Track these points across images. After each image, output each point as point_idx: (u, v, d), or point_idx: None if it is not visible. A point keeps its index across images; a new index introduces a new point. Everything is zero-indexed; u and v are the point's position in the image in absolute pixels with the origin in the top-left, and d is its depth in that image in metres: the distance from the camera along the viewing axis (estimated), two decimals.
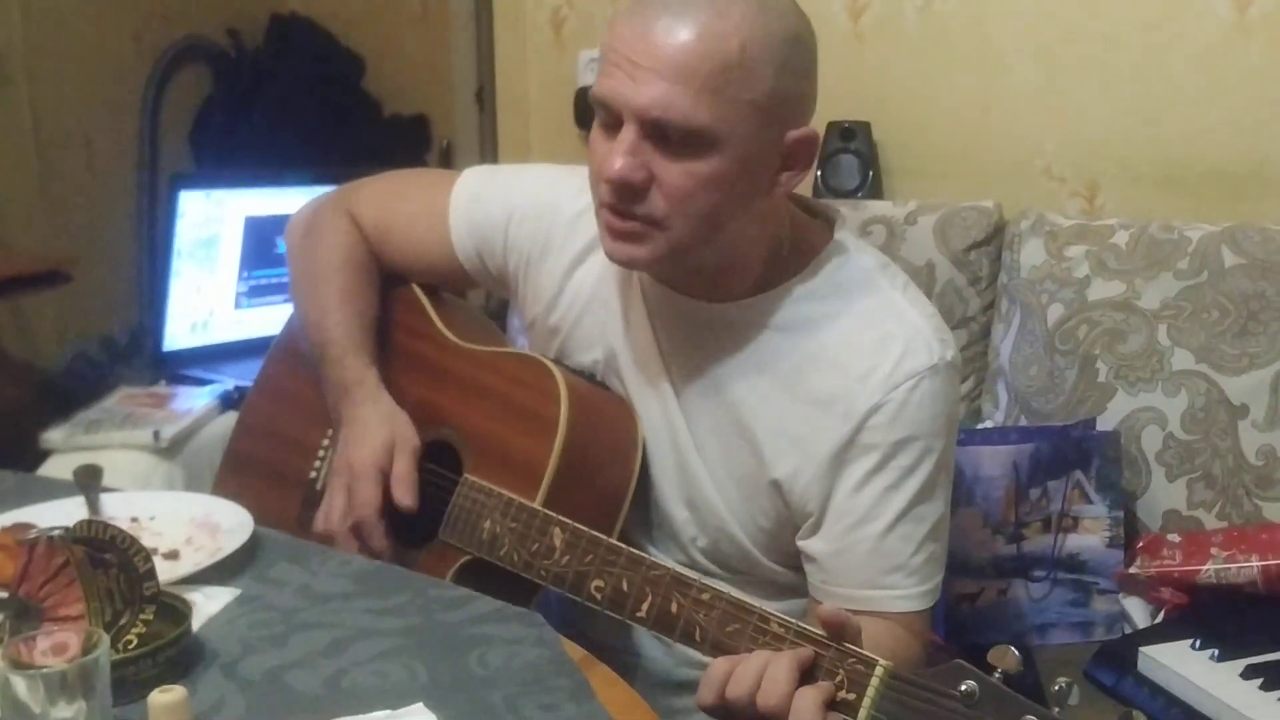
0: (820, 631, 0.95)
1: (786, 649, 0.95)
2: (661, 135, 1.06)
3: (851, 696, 0.92)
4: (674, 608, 1.03)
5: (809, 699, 0.92)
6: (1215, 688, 1.36)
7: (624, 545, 1.11)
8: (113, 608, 0.87)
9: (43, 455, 2.35)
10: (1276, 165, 1.94)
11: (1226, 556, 1.57)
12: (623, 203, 1.09)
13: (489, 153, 3.33)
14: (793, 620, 0.98)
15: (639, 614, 1.06)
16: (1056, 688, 0.89)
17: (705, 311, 1.21)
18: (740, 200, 1.11)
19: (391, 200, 1.43)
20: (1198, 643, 1.44)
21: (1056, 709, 0.87)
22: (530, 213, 1.32)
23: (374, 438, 1.24)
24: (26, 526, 1.02)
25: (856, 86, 2.19)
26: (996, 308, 1.91)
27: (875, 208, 1.98)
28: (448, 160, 3.47)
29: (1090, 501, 1.66)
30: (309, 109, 3.40)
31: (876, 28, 2.18)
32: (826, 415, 1.16)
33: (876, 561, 1.15)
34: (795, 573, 1.24)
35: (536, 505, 1.16)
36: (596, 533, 1.12)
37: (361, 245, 1.41)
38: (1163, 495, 1.70)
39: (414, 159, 3.49)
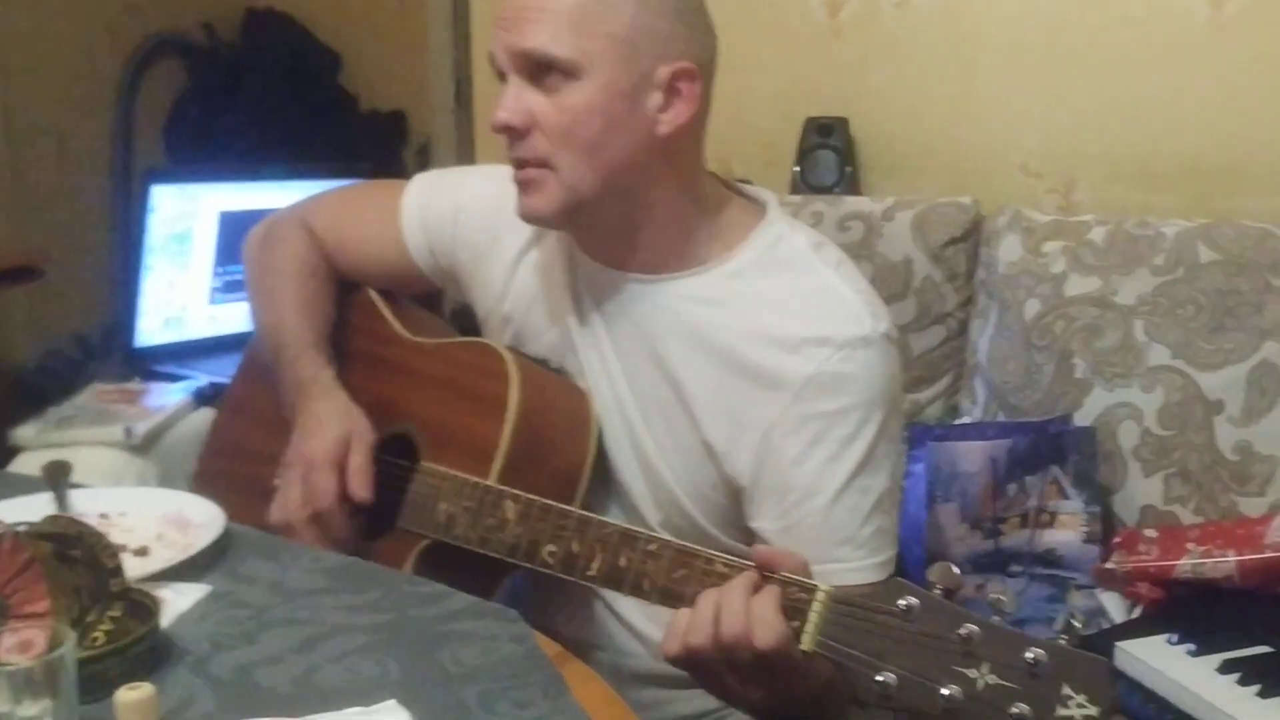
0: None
1: None
2: (535, 74, 1.14)
3: (796, 624, 0.97)
4: (622, 561, 1.08)
5: (762, 603, 0.97)
6: (1193, 682, 1.36)
7: (574, 510, 1.14)
8: (79, 604, 0.85)
9: (13, 452, 2.33)
10: (1252, 161, 1.95)
11: (1203, 551, 1.57)
12: (514, 150, 1.16)
13: (466, 151, 3.31)
14: (737, 559, 1.03)
15: (590, 573, 1.10)
16: (993, 598, 0.92)
17: (638, 288, 1.24)
18: (620, 133, 1.15)
19: (345, 208, 1.48)
20: (1175, 638, 1.44)
21: (996, 617, 0.90)
22: (477, 208, 1.36)
23: (328, 431, 1.25)
24: None
25: (834, 82, 2.20)
26: (974, 303, 1.91)
27: (853, 203, 1.98)
28: (425, 157, 3.44)
29: (1067, 497, 1.66)
30: (285, 104, 3.36)
31: (854, 24, 2.18)
32: (760, 388, 1.17)
33: (824, 535, 1.16)
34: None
35: (490, 482, 1.17)
36: (548, 501, 1.14)
37: (317, 253, 1.44)
38: (1139, 490, 1.71)
39: (391, 155, 3.46)
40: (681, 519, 1.25)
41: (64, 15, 3.04)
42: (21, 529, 0.84)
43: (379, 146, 3.45)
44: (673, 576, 1.05)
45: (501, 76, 1.16)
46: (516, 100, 1.14)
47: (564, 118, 1.13)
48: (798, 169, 2.15)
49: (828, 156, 2.15)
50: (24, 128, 2.97)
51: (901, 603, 0.92)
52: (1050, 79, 2.06)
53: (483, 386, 1.24)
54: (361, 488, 1.22)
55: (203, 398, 1.80)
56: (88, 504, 1.10)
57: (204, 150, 3.25)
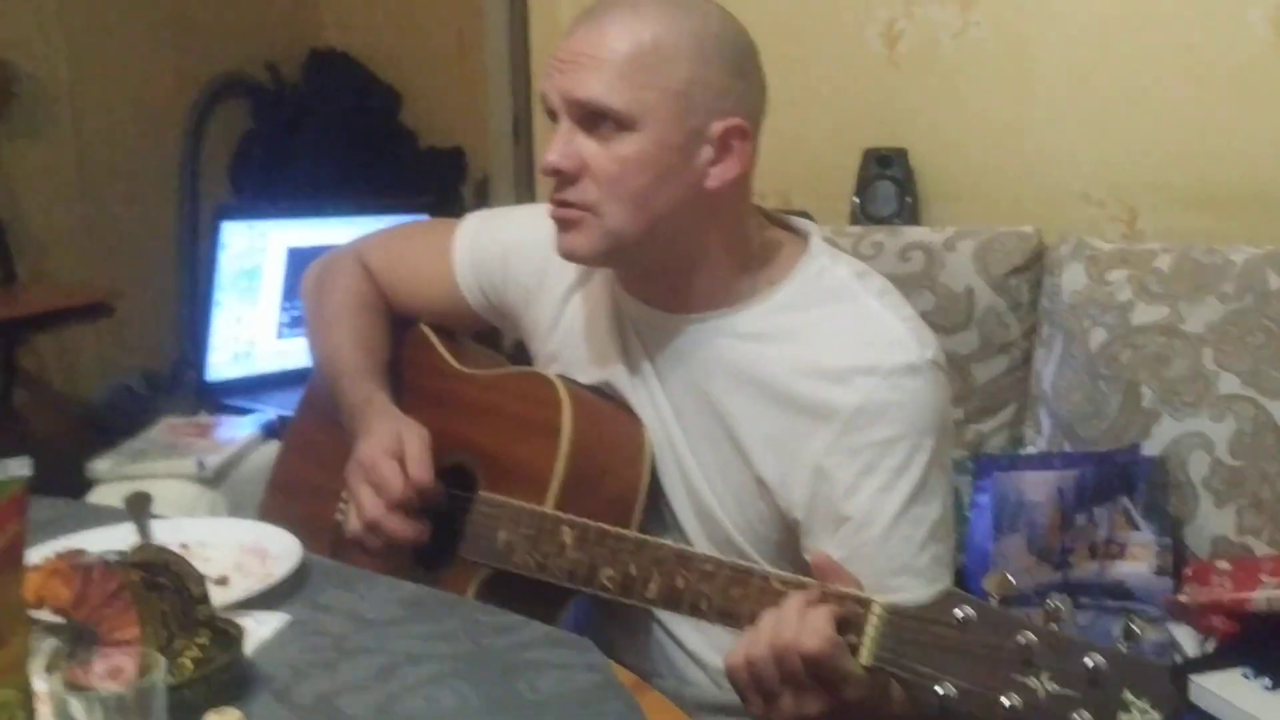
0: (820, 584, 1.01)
1: None
2: (588, 122, 1.15)
3: (854, 638, 0.97)
4: (679, 582, 1.09)
5: (815, 612, 0.98)
6: (1270, 717, 1.34)
7: (630, 533, 1.15)
8: (167, 631, 0.87)
9: (88, 484, 2.38)
10: None
11: (1278, 584, 1.54)
12: (560, 191, 1.17)
13: (524, 186, 3.36)
14: (792, 575, 1.04)
15: (648, 595, 1.11)
16: (1050, 605, 0.92)
17: (683, 326, 1.25)
18: (669, 186, 1.15)
19: (400, 246, 1.51)
20: (1250, 672, 1.42)
21: (1052, 625, 0.90)
22: (526, 248, 1.37)
23: (381, 433, 1.27)
24: (79, 553, 1.03)
25: (892, 113, 2.20)
26: (1038, 333, 1.90)
27: (913, 234, 1.97)
28: (484, 193, 3.49)
29: (1137, 528, 1.64)
30: (347, 142, 3.43)
31: (911, 55, 2.18)
32: (809, 421, 1.17)
33: (881, 565, 1.15)
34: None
35: (546, 509, 1.19)
36: (604, 525, 1.15)
37: (372, 289, 1.48)
38: (1211, 522, 1.68)
39: (450, 191, 3.52)
40: (733, 552, 1.24)
41: (134, 58, 3.13)
42: (112, 558, 0.87)
43: (438, 182, 3.51)
44: (729, 595, 1.06)
45: (553, 116, 1.17)
46: (567, 144, 1.15)
47: (614, 167, 1.14)
48: (857, 200, 2.16)
49: (887, 187, 2.15)
50: (96, 168, 3.06)
51: (958, 613, 0.92)
52: (1109, 106, 2.05)
53: (536, 414, 1.25)
54: (422, 471, 1.22)
55: (271, 431, 1.84)
56: (169, 534, 1.12)
57: (269, 187, 3.33)
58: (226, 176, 3.40)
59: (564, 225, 1.19)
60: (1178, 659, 1.60)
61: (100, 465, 1.72)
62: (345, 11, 3.59)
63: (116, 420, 2.98)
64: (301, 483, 1.51)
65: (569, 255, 1.21)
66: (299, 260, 2.14)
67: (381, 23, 3.55)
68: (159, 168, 3.24)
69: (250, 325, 2.10)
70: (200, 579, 0.89)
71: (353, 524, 1.24)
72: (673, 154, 1.15)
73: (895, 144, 2.17)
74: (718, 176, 1.17)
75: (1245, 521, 1.66)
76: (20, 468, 0.79)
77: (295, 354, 2.16)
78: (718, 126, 1.15)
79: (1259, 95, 1.94)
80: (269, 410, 1.93)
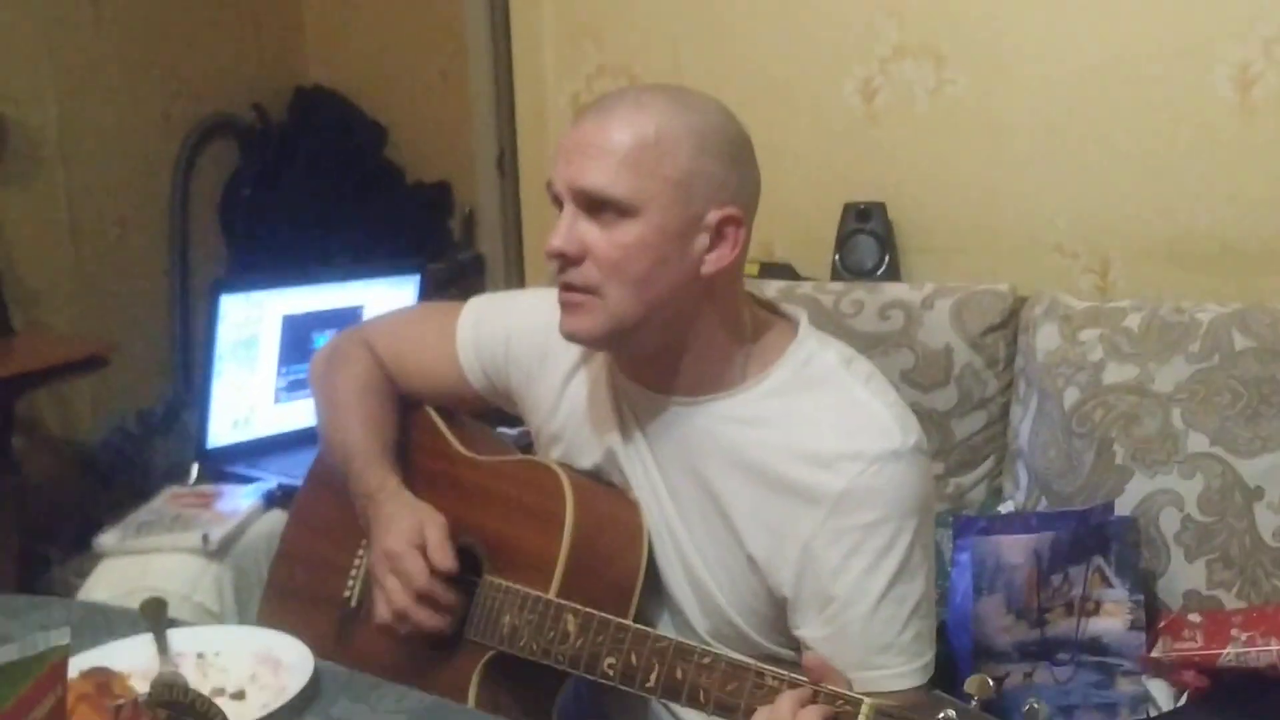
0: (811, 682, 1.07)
1: None
2: (591, 208, 1.20)
3: None
4: (679, 674, 1.15)
5: (809, 715, 1.04)
6: None
7: (631, 623, 1.21)
8: None
9: (88, 529, 2.42)
10: None
11: (1247, 639, 1.61)
12: (564, 274, 1.23)
13: (511, 219, 3.41)
14: (785, 672, 1.10)
15: (648, 684, 1.17)
16: (1027, 707, 0.98)
17: (679, 410, 1.30)
18: (667, 272, 1.21)
19: (405, 331, 1.56)
20: None
21: None
22: (527, 331, 1.43)
23: (402, 522, 1.33)
24: (105, 671, 1.08)
25: (871, 168, 2.26)
26: (1014, 389, 1.96)
27: (892, 291, 2.03)
28: (470, 226, 3.54)
29: (1111, 585, 1.70)
30: (334, 178, 3.47)
31: (888, 110, 2.24)
32: (797, 504, 1.23)
33: (866, 642, 1.22)
34: (798, 652, 1.29)
35: (550, 596, 1.24)
36: (606, 615, 1.21)
37: (379, 372, 1.53)
38: (1182, 576, 1.74)
39: (437, 225, 3.56)
40: (728, 628, 1.31)
41: (122, 104, 3.16)
42: (141, 698, 0.92)
43: (425, 217, 3.55)
44: (726, 689, 1.12)
45: (558, 203, 1.23)
46: (571, 230, 1.21)
47: (616, 252, 1.20)
48: (838, 256, 2.21)
49: (867, 241, 2.21)
50: (86, 213, 3.09)
51: (941, 716, 0.97)
52: (1082, 161, 2.11)
53: (540, 503, 1.31)
54: (444, 559, 1.29)
55: (272, 500, 1.89)
56: (185, 644, 1.18)
57: (256, 224, 3.37)
58: (215, 216, 3.44)
59: (568, 308, 1.24)
60: (1151, 712, 1.67)
61: (107, 540, 1.77)
62: (330, 49, 3.62)
63: (112, 462, 3.04)
64: (309, 555, 1.56)
65: (572, 337, 1.27)
66: (294, 327, 2.20)
67: (366, 59, 3.58)
68: (149, 211, 3.27)
69: (249, 392, 2.15)
70: (224, 717, 0.94)
71: (381, 613, 1.30)
72: (671, 240, 1.20)
73: (874, 198, 2.23)
74: (713, 263, 1.22)
75: (1215, 575, 1.73)
76: (60, 637, 0.84)
77: (292, 418, 2.22)
78: (714, 215, 1.21)
79: (1223, 153, 2.01)
80: (269, 478, 1.98)
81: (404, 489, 1.40)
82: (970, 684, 1.00)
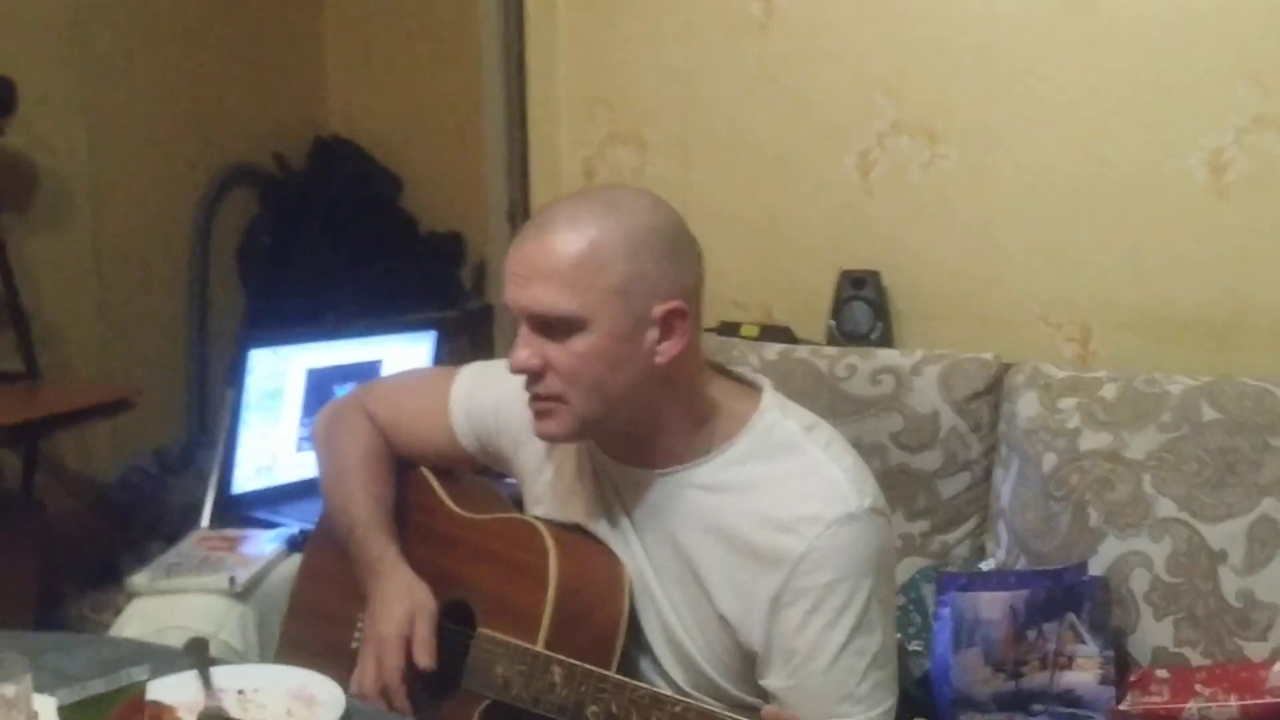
0: None
1: None
2: (545, 325, 1.30)
3: None
4: None
5: None
6: None
7: (611, 674, 1.31)
8: None
9: (113, 569, 2.51)
10: (1253, 316, 2.12)
11: (1209, 695, 1.71)
12: (531, 386, 1.33)
13: None
14: None
15: None
16: None
17: (651, 480, 1.41)
18: (623, 370, 1.31)
19: (400, 398, 1.68)
20: None
21: None
22: (514, 400, 1.50)
23: (395, 610, 1.44)
24: (158, 705, 1.18)
25: (866, 237, 2.38)
26: (997, 452, 2.07)
27: (884, 357, 2.14)
28: (481, 275, 3.65)
29: (1083, 641, 1.81)
30: (349, 227, 3.58)
31: (884, 183, 2.37)
32: (762, 565, 1.33)
33: (827, 693, 1.32)
34: (768, 701, 1.39)
35: (538, 648, 1.35)
36: (588, 665, 1.31)
37: (377, 439, 1.64)
38: (1151, 633, 1.85)
39: (449, 274, 3.67)
40: (703, 680, 1.42)
41: (149, 150, 3.28)
42: None
43: (437, 266, 3.67)
44: None
45: (516, 321, 1.33)
46: (528, 347, 1.31)
47: (573, 362, 1.30)
48: (833, 321, 2.33)
49: (861, 307, 2.32)
50: (112, 256, 3.20)
51: None
52: (1066, 237, 2.23)
53: (526, 560, 1.42)
54: (425, 657, 1.41)
55: (294, 545, 1.99)
56: (227, 680, 1.28)
57: (275, 271, 3.48)
58: (235, 263, 3.55)
59: (539, 414, 1.35)
60: None
61: (138, 580, 1.86)
62: (350, 102, 3.75)
63: (129, 500, 3.13)
64: (319, 608, 1.67)
65: (546, 438, 1.40)
66: (317, 379, 2.32)
67: (385, 112, 3.70)
68: (171, 257, 3.38)
69: (273, 441, 2.26)
70: None
71: (354, 687, 1.41)
72: (622, 343, 1.30)
73: (869, 266, 2.35)
74: (665, 353, 1.33)
75: (1181, 634, 1.83)
76: (140, 673, 0.95)
77: (312, 465, 2.32)
78: (658, 310, 1.31)
79: (1197, 233, 2.13)
80: (291, 523, 2.09)
81: (402, 562, 1.51)
82: None
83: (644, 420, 1.37)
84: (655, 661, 1.44)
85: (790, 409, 1.43)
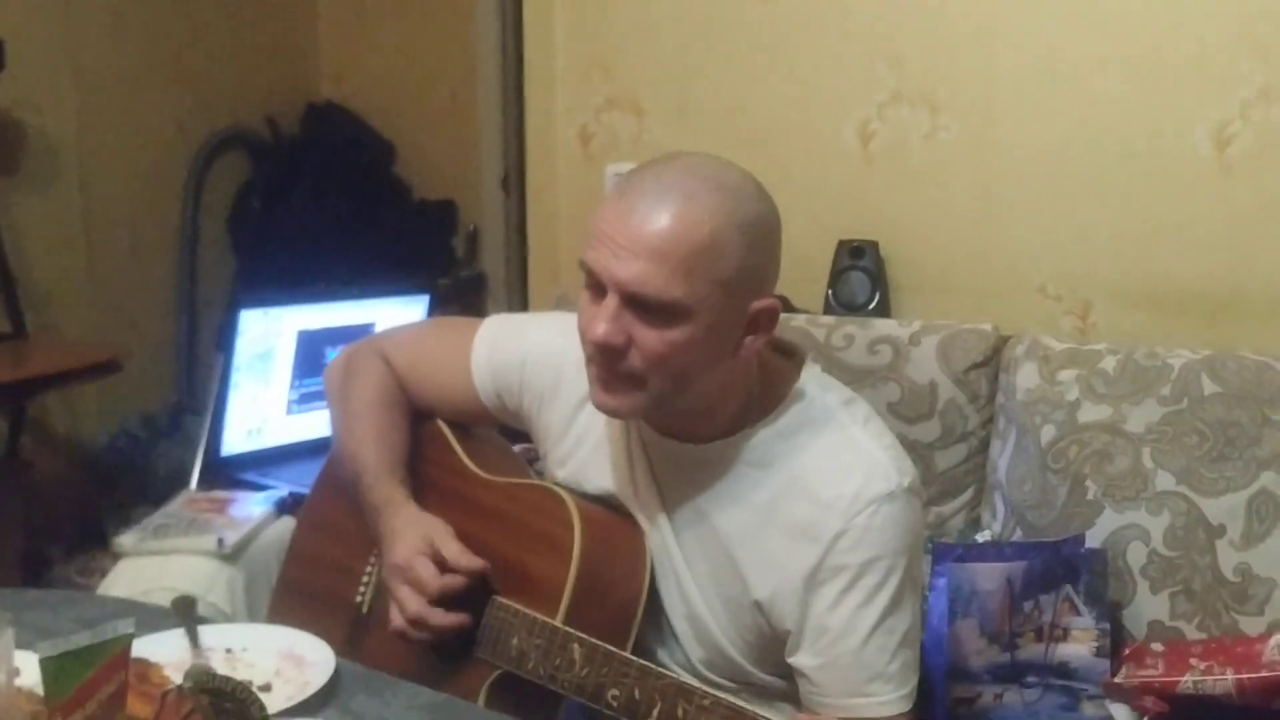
0: None
1: None
2: (640, 305, 1.21)
3: None
4: (679, 712, 1.21)
5: None
6: None
7: (635, 658, 1.27)
8: None
9: (98, 531, 2.49)
10: (1253, 292, 2.10)
11: (1204, 669, 1.70)
12: (606, 361, 1.25)
13: (514, 238, 3.50)
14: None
15: (649, 719, 1.22)
16: None
17: (689, 452, 1.37)
18: (709, 362, 1.26)
19: (420, 346, 1.60)
20: None
21: None
22: (542, 357, 1.48)
23: (410, 535, 1.39)
24: (144, 662, 1.17)
25: (865, 207, 2.36)
26: (994, 424, 2.05)
27: (882, 327, 2.12)
28: (474, 244, 3.63)
29: (1079, 614, 1.80)
30: (342, 193, 3.56)
31: (884, 153, 2.34)
32: (799, 541, 1.31)
33: (857, 673, 1.30)
34: (788, 681, 1.38)
35: (557, 623, 1.31)
36: (611, 647, 1.28)
37: (394, 385, 1.57)
38: (1147, 606, 1.84)
39: (441, 242, 3.65)
40: (722, 660, 1.39)
41: (140, 113, 3.25)
42: (186, 685, 1.00)
43: (430, 233, 3.64)
44: None
45: (596, 286, 1.24)
46: (616, 322, 1.22)
47: (663, 349, 1.22)
48: (831, 291, 2.31)
49: (859, 277, 2.30)
50: (101, 218, 3.16)
51: None
52: (1067, 209, 2.21)
53: (549, 530, 1.38)
54: (470, 561, 1.35)
55: (284, 507, 1.97)
56: (215, 639, 1.26)
57: (265, 237, 3.45)
58: (226, 228, 3.52)
59: (606, 386, 1.27)
60: None
61: (125, 540, 1.85)
62: (342, 66, 3.72)
63: (118, 465, 3.11)
64: (322, 557, 1.62)
65: (609, 413, 1.32)
66: (308, 341, 2.29)
67: (378, 78, 3.67)
68: (161, 220, 3.35)
69: (263, 404, 2.24)
70: (261, 705, 1.02)
71: (396, 621, 1.36)
72: (716, 335, 1.24)
73: (868, 236, 2.33)
74: (748, 348, 1.28)
75: (1177, 607, 1.82)
76: (126, 626, 0.93)
77: (303, 429, 2.30)
78: (755, 307, 1.25)
79: (1200, 207, 2.11)
80: (280, 486, 2.06)
81: (411, 502, 1.45)
82: None
83: (701, 401, 1.32)
84: (674, 637, 1.41)
85: (828, 382, 1.40)
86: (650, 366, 1.24)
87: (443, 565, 1.36)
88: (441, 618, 1.34)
